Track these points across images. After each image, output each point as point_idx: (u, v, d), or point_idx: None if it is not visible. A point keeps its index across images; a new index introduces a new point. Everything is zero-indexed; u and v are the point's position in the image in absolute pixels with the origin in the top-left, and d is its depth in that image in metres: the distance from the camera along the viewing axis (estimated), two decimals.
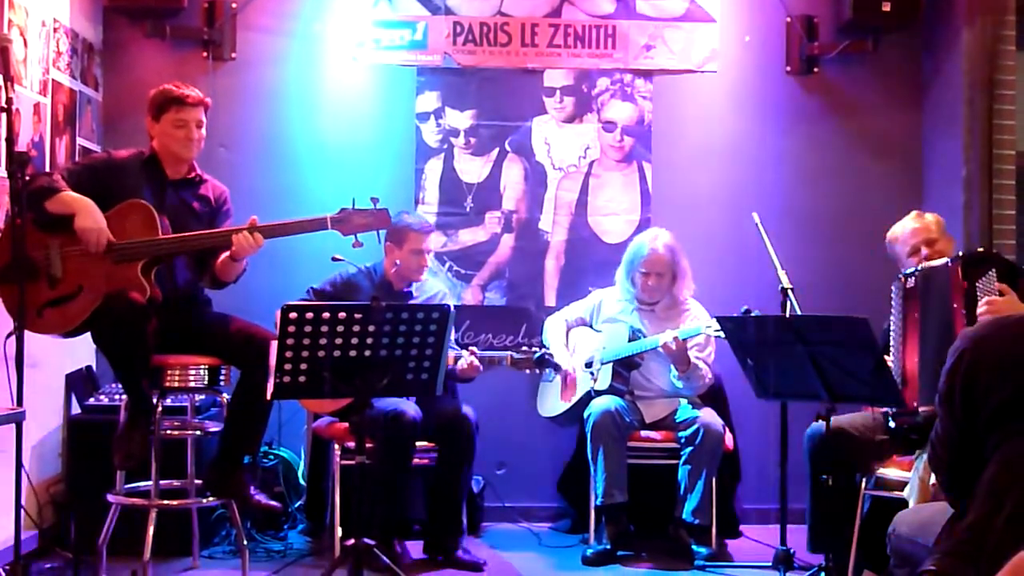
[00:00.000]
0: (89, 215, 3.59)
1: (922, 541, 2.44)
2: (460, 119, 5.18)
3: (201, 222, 3.86)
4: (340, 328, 3.17)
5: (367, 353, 3.22)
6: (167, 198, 3.84)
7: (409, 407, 4.13)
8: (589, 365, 4.56)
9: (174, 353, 3.78)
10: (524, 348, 4.31)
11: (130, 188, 3.75)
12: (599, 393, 4.47)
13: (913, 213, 4.08)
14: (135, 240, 3.65)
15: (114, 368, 3.70)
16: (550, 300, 5.16)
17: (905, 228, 4.02)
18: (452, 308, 3.36)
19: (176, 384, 3.77)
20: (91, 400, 4.48)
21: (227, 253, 3.75)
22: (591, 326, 4.75)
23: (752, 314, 3.79)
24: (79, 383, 4.59)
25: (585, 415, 4.42)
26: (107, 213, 3.64)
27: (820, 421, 3.64)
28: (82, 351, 4.61)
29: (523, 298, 5.18)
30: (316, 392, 3.27)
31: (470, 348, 4.27)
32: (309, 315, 3.16)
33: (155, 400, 3.74)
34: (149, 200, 3.72)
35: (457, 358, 4.20)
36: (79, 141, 4.80)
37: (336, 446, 4.28)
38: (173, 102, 3.82)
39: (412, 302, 4.43)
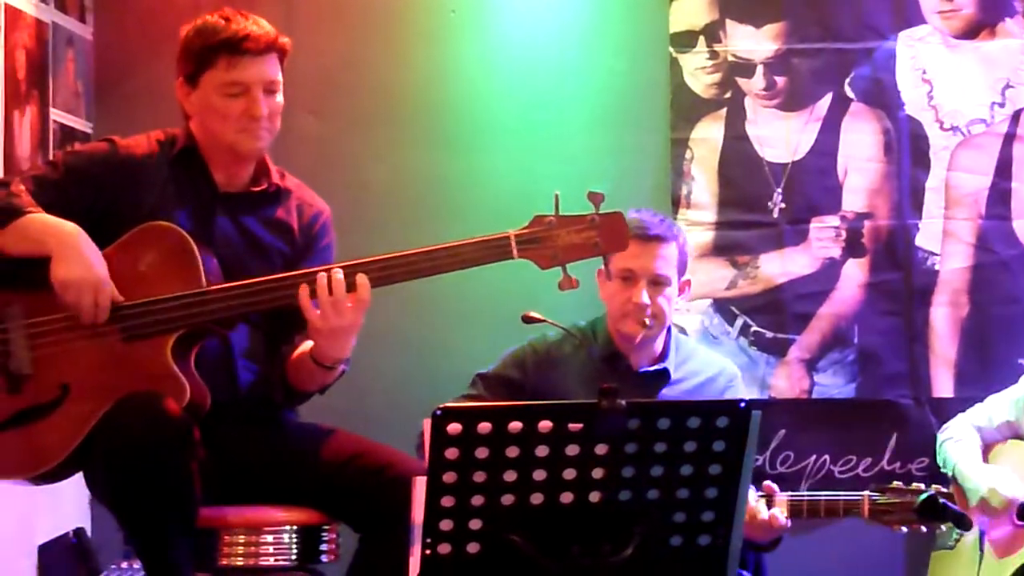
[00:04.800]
0: (76, 256, 3.71)
1: None
2: (755, 42, 5.30)
3: (274, 267, 3.96)
4: (541, 450, 3.18)
5: (594, 498, 3.22)
6: (217, 224, 3.98)
7: None
8: None
9: (237, 503, 3.90)
10: (897, 484, 4.31)
11: (149, 207, 3.89)
12: None
13: None
14: (161, 297, 3.76)
15: (128, 533, 3.76)
16: (943, 387, 5.29)
17: None
18: (752, 407, 3.32)
19: (241, 561, 3.88)
20: None
21: (304, 346, 3.84)
22: None
23: None
24: (63, 560, 4.75)
25: None
26: (108, 249, 3.78)
27: None
28: (68, 506, 4.77)
29: (890, 384, 5.30)
30: (500, 573, 3.30)
31: (766, 485, 4.23)
32: (483, 427, 3.17)
33: None
34: (186, 227, 3.84)
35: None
36: (54, 115, 5.06)
37: None
38: (221, 49, 3.88)
39: (671, 392, 4.43)
